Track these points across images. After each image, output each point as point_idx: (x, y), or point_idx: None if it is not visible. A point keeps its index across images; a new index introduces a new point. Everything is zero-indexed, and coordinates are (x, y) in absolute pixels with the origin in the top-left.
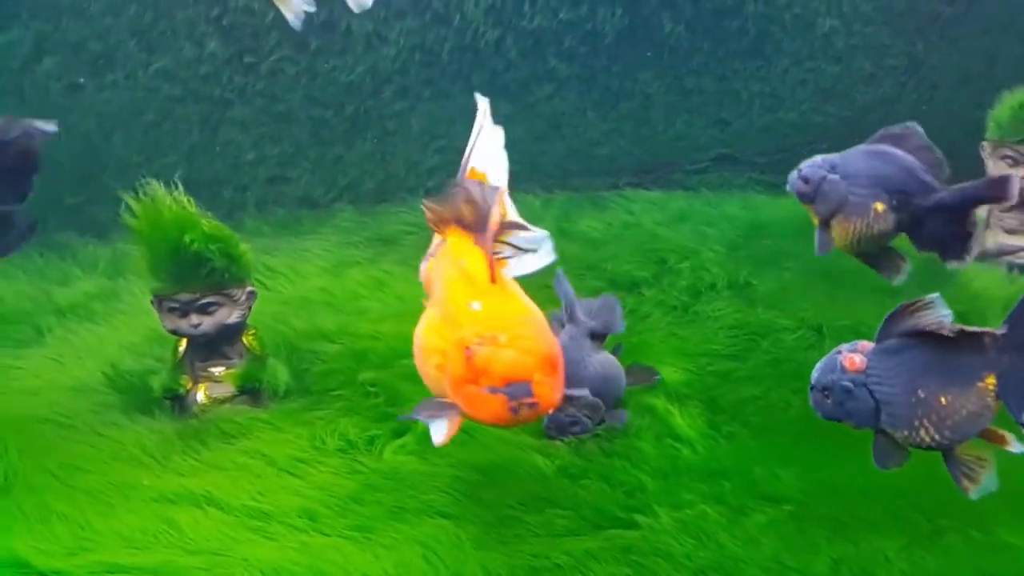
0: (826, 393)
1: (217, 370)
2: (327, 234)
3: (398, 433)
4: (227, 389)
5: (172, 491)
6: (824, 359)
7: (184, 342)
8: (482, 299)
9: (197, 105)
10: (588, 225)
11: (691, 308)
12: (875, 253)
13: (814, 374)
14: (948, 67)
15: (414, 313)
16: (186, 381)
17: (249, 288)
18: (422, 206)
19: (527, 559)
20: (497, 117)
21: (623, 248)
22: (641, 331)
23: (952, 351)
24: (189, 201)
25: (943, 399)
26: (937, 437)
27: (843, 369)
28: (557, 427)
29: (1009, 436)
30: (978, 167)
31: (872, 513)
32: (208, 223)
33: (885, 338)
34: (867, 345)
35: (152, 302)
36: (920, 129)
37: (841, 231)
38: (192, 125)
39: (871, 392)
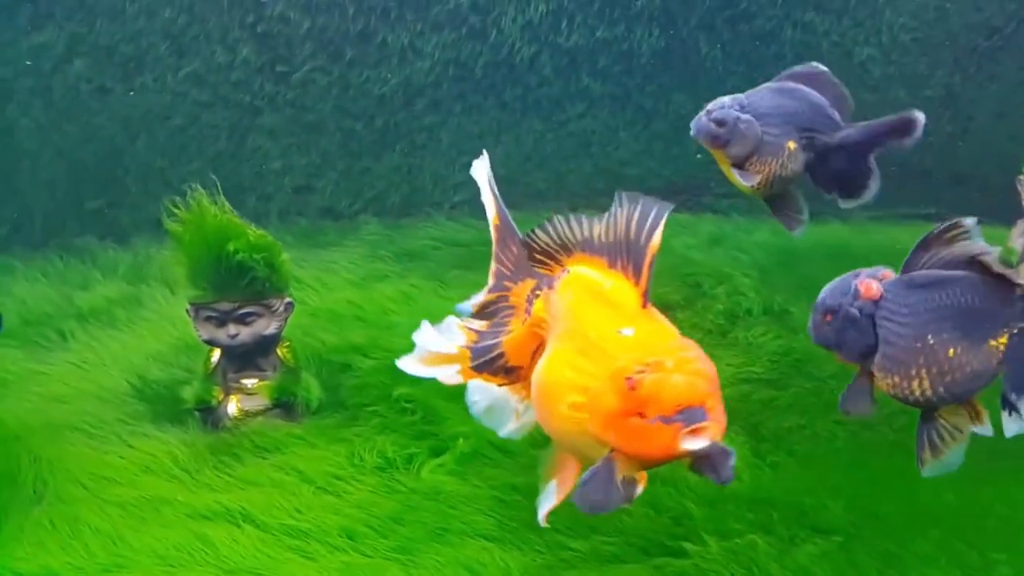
0: (828, 316)
1: (250, 382)
2: (352, 246)
3: (436, 452)
4: (260, 402)
5: (206, 507)
6: (838, 279)
7: (217, 352)
8: (633, 324)
9: (226, 111)
10: None
11: (729, 333)
12: (780, 196)
13: (822, 293)
14: (984, 100)
15: None
16: (218, 392)
17: (287, 299)
18: (562, 226)
19: None
20: (528, 134)
21: (655, 270)
22: None
23: (979, 298)
24: (230, 208)
25: (952, 351)
26: (929, 392)
27: (856, 294)
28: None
29: (985, 413)
30: (1013, 202)
31: (923, 545)
32: (254, 232)
33: (910, 269)
34: (890, 274)
35: (188, 311)
36: (825, 68)
37: (756, 174)
38: (220, 131)
39: (875, 327)
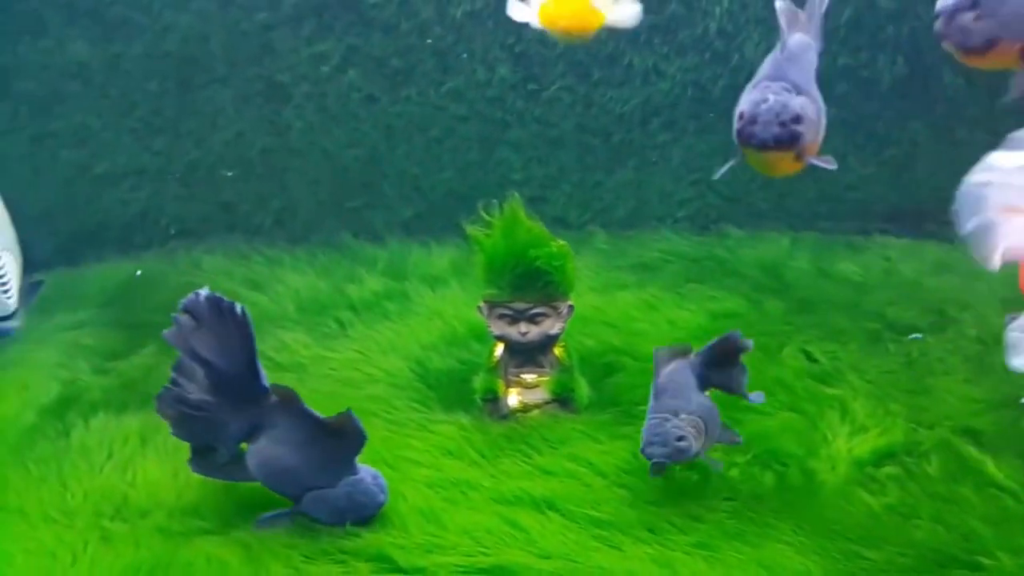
0: (949, 19)
1: (530, 377)
2: (587, 255)
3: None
4: (540, 395)
5: (511, 492)
6: None
7: (500, 347)
8: None
9: (479, 125)
10: (846, 267)
11: (986, 359)
12: None
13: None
14: None
15: (690, 339)
16: (501, 385)
17: (570, 303)
18: None
19: None
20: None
21: (891, 293)
22: (930, 381)
23: None
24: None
25: None
26: None
27: None
28: (663, 442)
29: None
30: None
31: None
32: (556, 244)
33: None
34: None
35: (480, 308)
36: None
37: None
38: (471, 144)
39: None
